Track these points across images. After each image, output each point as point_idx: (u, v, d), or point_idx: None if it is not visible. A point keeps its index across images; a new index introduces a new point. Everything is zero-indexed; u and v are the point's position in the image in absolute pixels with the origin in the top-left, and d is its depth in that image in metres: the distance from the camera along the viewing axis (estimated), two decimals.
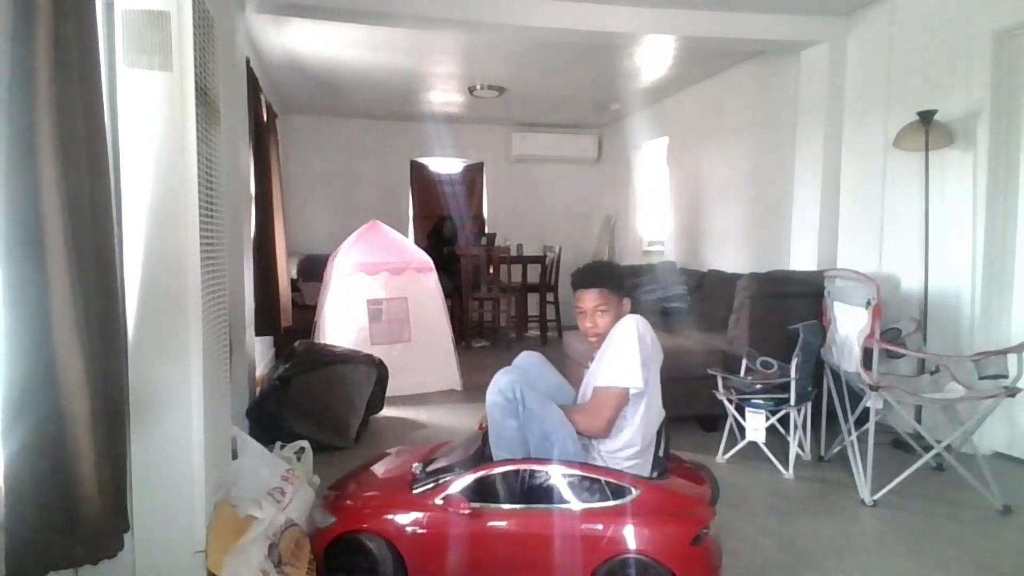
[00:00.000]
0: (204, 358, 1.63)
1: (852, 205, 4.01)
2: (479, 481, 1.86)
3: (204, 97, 1.68)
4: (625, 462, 1.93)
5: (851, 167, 4.01)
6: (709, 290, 4.64)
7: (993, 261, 3.17)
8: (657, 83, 5.72)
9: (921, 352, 2.98)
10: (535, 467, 1.87)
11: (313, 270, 5.72)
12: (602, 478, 1.85)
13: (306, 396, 3.24)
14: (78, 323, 1.29)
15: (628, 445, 1.94)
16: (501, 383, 1.93)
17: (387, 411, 3.83)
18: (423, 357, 4.42)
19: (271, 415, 3.15)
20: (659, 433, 2.02)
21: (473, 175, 7.82)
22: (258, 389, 3.59)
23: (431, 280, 4.61)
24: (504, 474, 1.87)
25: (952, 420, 2.91)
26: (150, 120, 1.55)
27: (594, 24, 3.82)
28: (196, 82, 1.59)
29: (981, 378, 2.73)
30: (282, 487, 2.00)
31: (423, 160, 7.62)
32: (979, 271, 3.19)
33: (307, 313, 4.88)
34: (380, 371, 3.64)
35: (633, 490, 1.82)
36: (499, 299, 6.26)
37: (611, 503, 1.81)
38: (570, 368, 4.10)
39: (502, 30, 3.91)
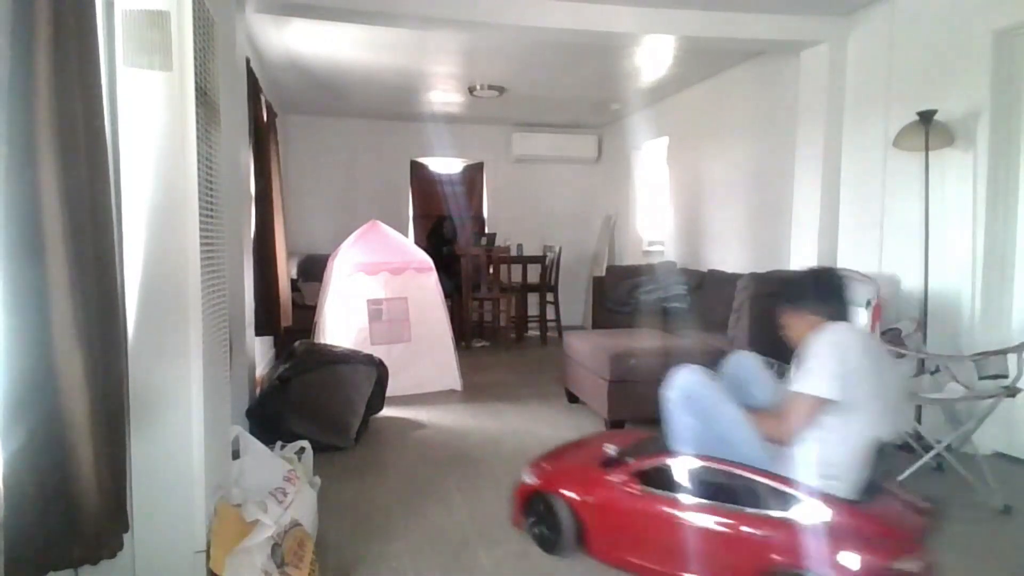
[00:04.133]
0: (204, 358, 1.63)
1: (852, 205, 4.01)
2: (656, 469, 2.01)
3: (204, 97, 1.68)
4: (821, 480, 1.78)
5: (851, 167, 4.01)
6: (709, 290, 4.65)
7: (993, 261, 3.17)
8: (657, 83, 5.71)
9: (921, 352, 2.98)
10: (710, 465, 1.92)
11: (313, 270, 5.72)
12: (782, 487, 1.79)
13: (306, 396, 3.24)
14: (78, 323, 1.29)
15: (826, 462, 1.79)
16: (680, 379, 1.98)
17: (387, 411, 3.83)
18: (423, 357, 4.42)
19: (271, 415, 3.15)
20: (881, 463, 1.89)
21: (473, 175, 7.82)
22: (258, 389, 3.59)
23: (431, 280, 4.61)
24: (681, 466, 1.97)
25: (952, 420, 2.91)
26: (150, 120, 1.55)
27: (594, 24, 3.82)
28: (196, 82, 1.59)
29: (981, 378, 2.72)
30: (284, 487, 2.01)
31: (423, 160, 7.62)
32: (979, 271, 3.19)
33: (307, 313, 4.88)
34: (380, 371, 3.64)
35: (814, 504, 1.73)
36: (499, 299, 6.26)
37: (786, 514, 1.74)
38: (571, 368, 4.11)
39: (502, 30, 3.91)
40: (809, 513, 1.73)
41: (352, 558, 2.15)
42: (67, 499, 1.31)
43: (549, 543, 2.17)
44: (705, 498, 1.89)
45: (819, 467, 1.79)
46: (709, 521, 1.85)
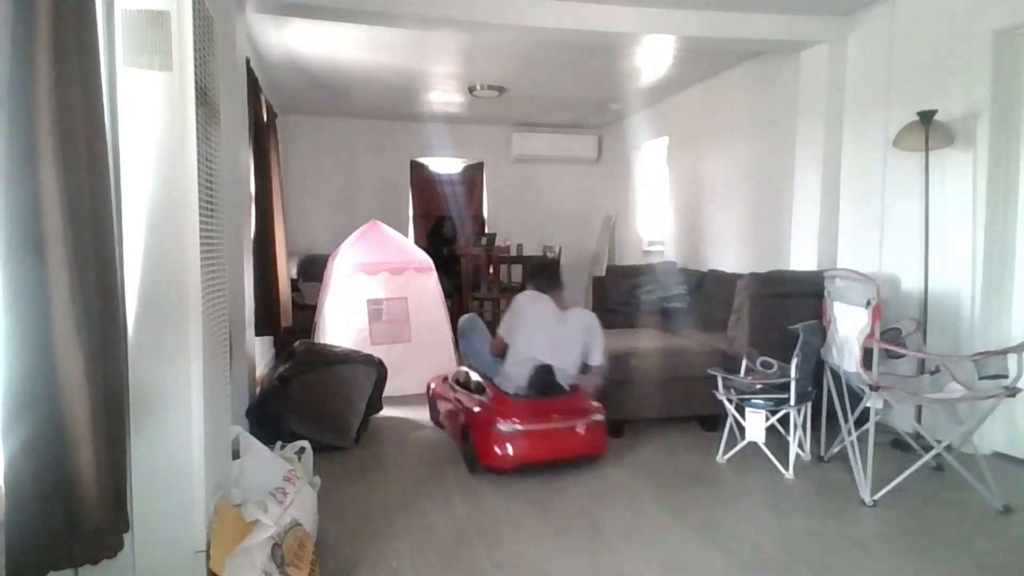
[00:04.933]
0: (204, 358, 1.63)
1: (852, 205, 4.01)
2: (457, 375, 3.50)
3: (204, 97, 1.68)
4: (502, 382, 3.09)
5: (851, 167, 4.01)
6: (709, 290, 4.64)
7: (993, 261, 3.17)
8: (657, 83, 5.71)
9: (921, 352, 2.98)
10: (468, 371, 3.36)
11: (313, 270, 5.72)
12: (482, 383, 3.17)
13: (306, 396, 3.24)
14: (78, 323, 1.29)
15: (503, 373, 3.10)
16: (460, 321, 3.37)
17: (387, 411, 3.83)
18: (423, 357, 4.42)
19: (271, 415, 3.15)
20: (539, 377, 3.00)
21: (473, 175, 7.82)
22: (258, 389, 3.59)
23: (431, 280, 4.61)
24: (465, 372, 3.40)
25: (952, 420, 2.91)
26: (150, 120, 1.55)
27: (594, 24, 3.82)
28: (196, 82, 1.59)
29: (981, 378, 2.72)
30: (284, 487, 2.00)
31: (423, 160, 7.62)
32: (979, 271, 3.19)
33: (307, 313, 4.88)
34: (380, 371, 3.64)
35: (487, 395, 3.07)
36: (499, 299, 6.26)
37: (479, 397, 3.11)
38: None
39: (502, 30, 3.91)
40: (486, 399, 3.05)
41: (352, 558, 2.15)
42: (67, 499, 1.31)
43: (432, 420, 3.74)
44: (466, 389, 3.27)
45: (501, 375, 3.10)
46: (455, 400, 3.28)
